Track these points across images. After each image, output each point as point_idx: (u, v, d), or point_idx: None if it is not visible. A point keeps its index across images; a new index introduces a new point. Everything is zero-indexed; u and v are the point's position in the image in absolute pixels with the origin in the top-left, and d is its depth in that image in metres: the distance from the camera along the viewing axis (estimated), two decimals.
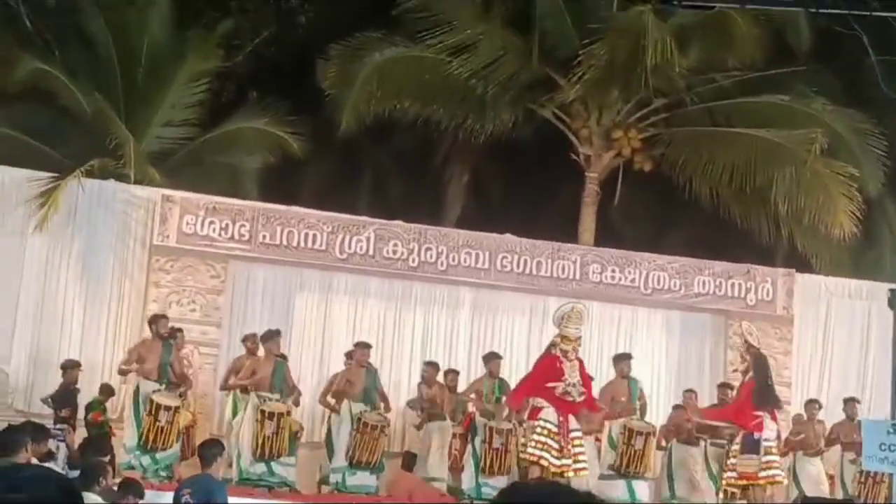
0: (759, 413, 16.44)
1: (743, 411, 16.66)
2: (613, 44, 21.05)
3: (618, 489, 17.11)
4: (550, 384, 15.90)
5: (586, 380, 16.34)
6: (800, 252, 22.38)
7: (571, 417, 15.97)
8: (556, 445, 15.74)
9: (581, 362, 16.38)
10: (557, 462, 15.69)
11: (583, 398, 16.03)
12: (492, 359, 17.94)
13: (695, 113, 22.48)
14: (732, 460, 16.64)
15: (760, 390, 16.62)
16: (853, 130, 21.63)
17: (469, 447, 17.36)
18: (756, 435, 16.38)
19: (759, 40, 21.38)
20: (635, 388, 17.76)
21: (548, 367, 16.17)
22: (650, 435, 17.38)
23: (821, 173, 21.31)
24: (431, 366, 18.14)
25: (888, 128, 19.31)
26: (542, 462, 15.71)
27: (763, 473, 16.34)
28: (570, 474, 15.71)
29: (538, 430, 15.88)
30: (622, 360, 17.99)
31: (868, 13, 12.44)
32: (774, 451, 16.60)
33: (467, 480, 17.23)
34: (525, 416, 16.58)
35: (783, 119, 21.75)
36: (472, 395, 17.72)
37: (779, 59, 21.91)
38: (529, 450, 15.90)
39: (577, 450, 15.92)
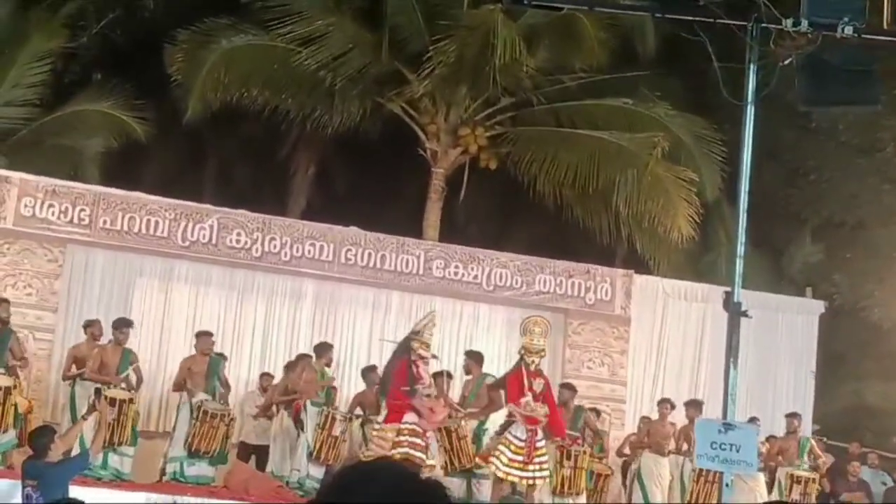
0: None
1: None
2: (463, 41, 21.15)
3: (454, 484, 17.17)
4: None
5: (551, 401, 16.77)
6: (639, 254, 22.75)
7: (539, 431, 16.39)
8: (521, 459, 16.17)
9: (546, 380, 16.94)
10: (521, 474, 16.26)
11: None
12: (328, 349, 17.94)
13: (541, 113, 22.71)
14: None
15: None
16: (694, 136, 22.04)
17: (302, 436, 17.26)
18: None
19: (606, 43, 21.69)
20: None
21: (516, 381, 16.63)
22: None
23: (661, 177, 21.70)
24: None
25: (727, 134, 19.71)
26: (511, 478, 16.30)
27: None
28: (531, 483, 16.40)
29: (503, 444, 16.30)
30: (471, 357, 18.19)
31: (713, 20, 12.69)
32: None
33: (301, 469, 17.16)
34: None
35: (627, 122, 22.11)
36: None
37: (624, 62, 22.25)
38: (494, 461, 16.30)
39: (540, 459, 16.38)
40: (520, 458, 16.24)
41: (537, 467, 16.40)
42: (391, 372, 16.48)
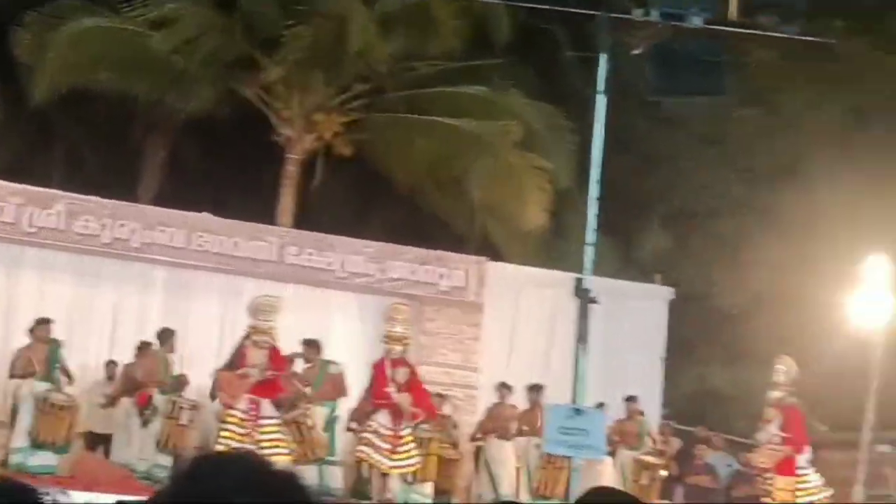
0: None
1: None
2: (318, 27, 21.07)
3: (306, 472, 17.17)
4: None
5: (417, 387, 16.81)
6: (493, 241, 22.88)
7: (405, 421, 16.38)
8: (387, 447, 16.21)
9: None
10: (389, 462, 16.27)
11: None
12: (171, 335, 17.82)
13: (396, 100, 22.71)
14: None
15: None
16: (547, 124, 22.23)
17: (149, 424, 17.11)
18: None
19: (461, 31, 21.76)
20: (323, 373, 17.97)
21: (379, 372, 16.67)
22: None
23: (515, 165, 21.86)
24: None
25: (580, 122, 19.95)
26: (380, 466, 16.32)
27: None
28: (398, 469, 16.48)
29: (369, 432, 16.32)
30: (309, 345, 18.20)
31: (564, 9, 12.83)
32: None
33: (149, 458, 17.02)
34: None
35: (481, 110, 22.19)
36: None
37: (479, 50, 22.34)
38: (363, 450, 16.37)
39: (407, 446, 16.42)
40: (387, 445, 16.24)
41: (405, 455, 16.39)
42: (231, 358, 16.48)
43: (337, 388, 17.80)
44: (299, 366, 18.06)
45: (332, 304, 20.61)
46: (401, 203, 23.00)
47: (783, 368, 17.21)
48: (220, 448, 15.61)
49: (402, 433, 16.45)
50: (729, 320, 23.33)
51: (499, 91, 22.36)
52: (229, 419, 15.98)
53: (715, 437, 21.23)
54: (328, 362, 17.96)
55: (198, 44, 21.39)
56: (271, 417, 16.14)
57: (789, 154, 23.10)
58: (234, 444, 15.57)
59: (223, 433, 15.92)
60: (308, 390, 17.62)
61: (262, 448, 15.73)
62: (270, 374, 16.26)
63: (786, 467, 16.88)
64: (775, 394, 17.11)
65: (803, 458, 17.12)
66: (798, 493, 16.94)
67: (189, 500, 2.26)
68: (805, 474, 17.12)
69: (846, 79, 22.13)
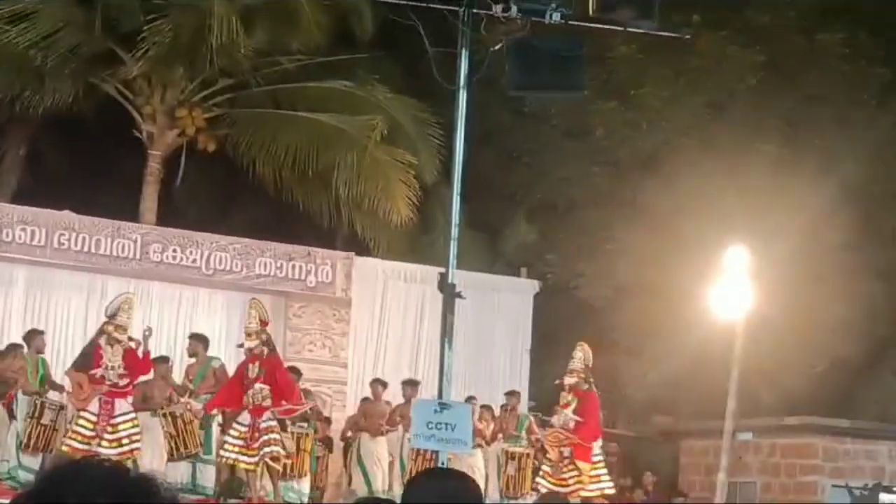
0: None
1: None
2: (178, 21, 20.85)
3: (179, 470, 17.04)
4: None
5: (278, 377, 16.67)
6: (359, 236, 22.89)
7: (266, 414, 16.29)
8: (242, 443, 16.18)
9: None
10: (247, 458, 16.23)
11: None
12: (36, 335, 17.51)
13: (259, 95, 22.59)
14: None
15: None
16: (412, 119, 22.32)
17: (13, 425, 16.84)
18: None
19: (324, 26, 21.73)
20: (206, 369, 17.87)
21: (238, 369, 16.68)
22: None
23: (380, 160, 21.89)
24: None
25: (444, 117, 20.03)
26: (243, 465, 16.32)
27: None
28: (258, 464, 16.34)
29: (232, 433, 16.30)
30: (196, 339, 18.09)
31: (426, 4, 12.84)
32: None
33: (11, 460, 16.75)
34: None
35: (346, 105, 22.18)
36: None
37: (343, 45, 22.32)
38: (221, 453, 16.40)
39: (266, 437, 16.25)
40: (240, 441, 16.17)
41: (262, 445, 16.29)
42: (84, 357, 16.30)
43: (218, 381, 17.66)
44: (176, 363, 17.97)
45: (198, 302, 20.46)
46: (266, 199, 22.89)
47: (580, 355, 17.60)
48: (64, 449, 15.55)
49: (262, 426, 16.35)
50: (594, 312, 23.59)
51: (363, 86, 22.38)
52: (80, 421, 15.88)
53: None
54: (212, 358, 17.85)
55: (56, 38, 21.04)
56: (125, 413, 16.06)
57: (651, 147, 23.41)
58: (78, 446, 15.51)
59: (69, 434, 15.85)
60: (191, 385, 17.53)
61: (122, 445, 15.69)
62: (125, 379, 16.14)
63: (583, 453, 17.23)
64: (571, 379, 17.47)
65: (597, 446, 17.53)
66: (600, 480, 17.39)
67: (51, 502, 2.29)
68: (600, 461, 17.56)
69: (705, 73, 22.51)
